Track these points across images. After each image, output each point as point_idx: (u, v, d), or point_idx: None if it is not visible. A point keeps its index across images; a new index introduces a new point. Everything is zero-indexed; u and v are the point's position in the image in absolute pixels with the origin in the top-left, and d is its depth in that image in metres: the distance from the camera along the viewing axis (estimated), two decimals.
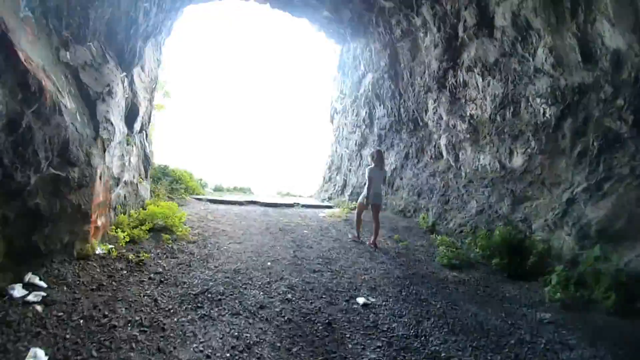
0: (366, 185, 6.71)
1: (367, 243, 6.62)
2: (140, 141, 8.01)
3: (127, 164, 6.05)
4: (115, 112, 5.24)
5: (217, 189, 11.74)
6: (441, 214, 8.09)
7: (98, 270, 4.15)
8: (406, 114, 9.30)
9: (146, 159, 8.22)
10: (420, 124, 9.08)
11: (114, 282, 3.98)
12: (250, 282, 4.37)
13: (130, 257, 4.60)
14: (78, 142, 4.06)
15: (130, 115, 6.33)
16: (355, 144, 10.54)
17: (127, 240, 5.04)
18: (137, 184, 6.70)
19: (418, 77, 8.78)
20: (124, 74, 5.48)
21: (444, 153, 8.42)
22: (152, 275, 4.28)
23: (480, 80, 7.03)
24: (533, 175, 6.09)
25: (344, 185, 11.06)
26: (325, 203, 11.11)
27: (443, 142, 8.39)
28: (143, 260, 4.61)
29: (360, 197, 6.93)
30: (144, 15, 5.69)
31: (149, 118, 7.78)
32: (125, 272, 4.27)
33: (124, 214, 5.92)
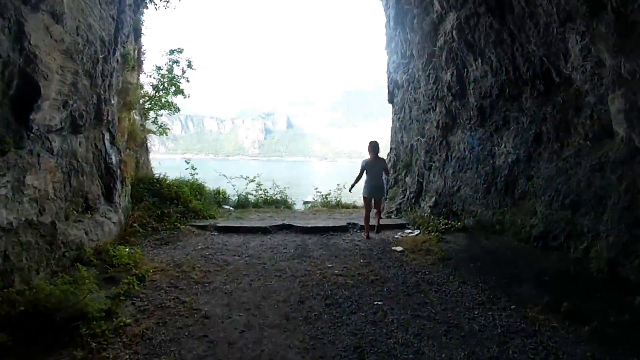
0: (364, 180, 6.15)
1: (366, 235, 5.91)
2: (96, 146, 5.10)
3: None
4: None
5: (241, 204, 8.63)
6: (627, 245, 4.14)
7: None
8: (528, 66, 5.39)
9: (109, 174, 5.29)
10: (557, 79, 5.13)
11: None
12: None
13: None
14: None
15: (20, 97, 3.30)
16: (438, 126, 6.73)
17: None
18: (53, 224, 3.66)
19: (542, 0, 4.90)
20: None
21: (619, 127, 4.44)
22: None
23: None
24: None
25: (420, 191, 7.32)
26: (394, 218, 7.48)
27: (615, 106, 4.43)
28: None
29: (362, 192, 6.22)
30: None
31: (99, 108, 4.79)
32: None
33: None
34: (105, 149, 5.30)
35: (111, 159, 5.38)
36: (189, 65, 12.41)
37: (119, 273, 3.91)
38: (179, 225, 5.84)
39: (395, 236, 5.98)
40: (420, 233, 6.19)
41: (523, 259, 4.70)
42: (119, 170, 5.53)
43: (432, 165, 6.90)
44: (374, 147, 6.13)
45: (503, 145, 5.65)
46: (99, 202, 4.95)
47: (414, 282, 3.97)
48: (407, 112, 8.00)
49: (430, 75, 6.80)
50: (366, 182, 6.06)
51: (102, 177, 5.21)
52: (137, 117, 7.66)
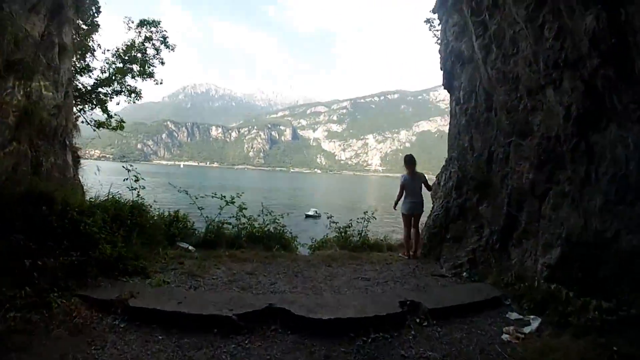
0: (403, 196, 5.94)
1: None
2: None
3: None
4: None
5: (209, 240, 5.49)
6: None
7: None
8: None
9: None
10: None
11: None
12: None
13: None
14: None
15: None
16: (567, 116, 3.55)
17: None
18: None
19: None
20: None
21: None
22: None
23: None
24: None
25: (509, 230, 4.20)
26: (466, 281, 4.37)
27: None
28: None
29: (401, 209, 5.95)
30: None
31: None
32: None
33: None
34: None
35: None
36: (164, 43, 9.59)
37: None
38: (51, 298, 2.78)
39: (502, 336, 2.89)
40: (541, 324, 3.09)
41: None
42: None
43: (550, 188, 3.78)
44: (410, 160, 5.94)
45: None
46: None
47: None
48: (482, 98, 4.94)
49: (546, 27, 3.76)
50: (405, 199, 5.90)
51: None
52: (47, 93, 4.70)
